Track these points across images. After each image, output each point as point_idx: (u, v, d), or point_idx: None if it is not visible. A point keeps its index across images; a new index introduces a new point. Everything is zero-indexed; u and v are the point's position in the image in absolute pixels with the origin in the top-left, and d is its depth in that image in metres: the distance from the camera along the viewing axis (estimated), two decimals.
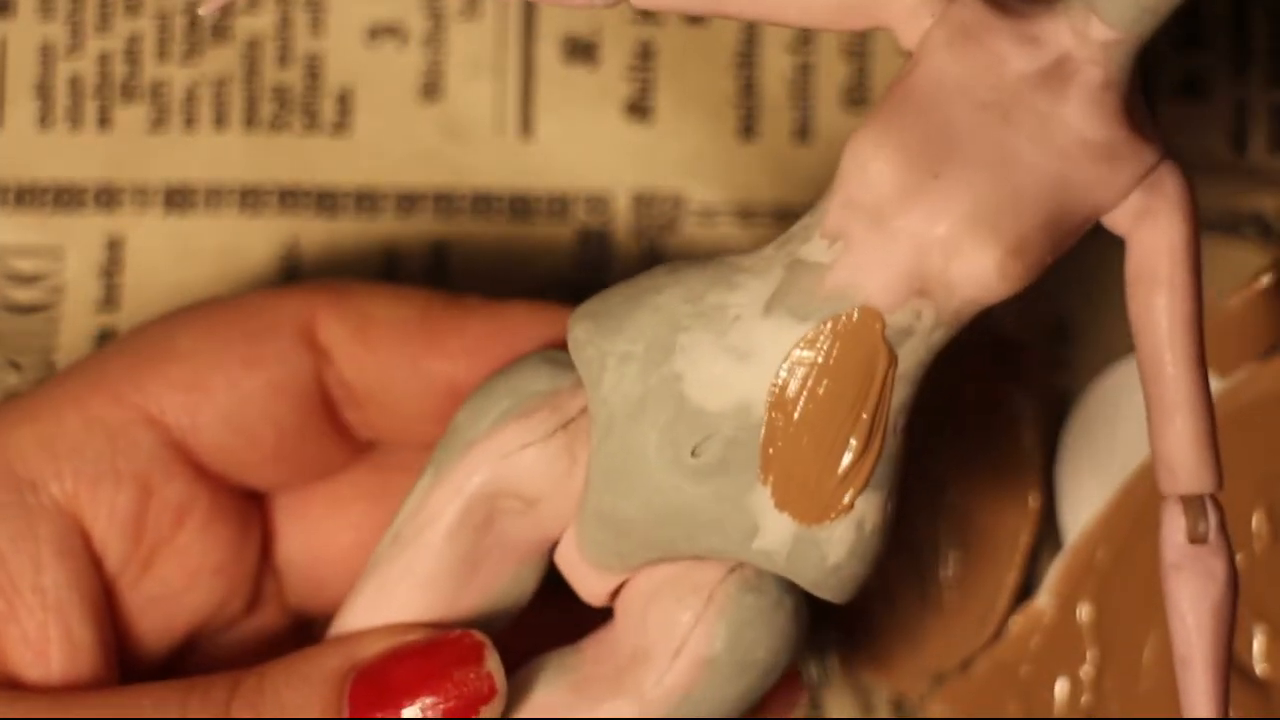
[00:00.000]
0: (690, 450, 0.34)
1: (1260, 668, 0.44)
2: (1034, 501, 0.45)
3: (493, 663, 0.36)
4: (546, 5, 0.34)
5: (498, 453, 0.36)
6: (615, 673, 0.36)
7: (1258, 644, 0.44)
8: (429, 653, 0.36)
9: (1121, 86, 0.33)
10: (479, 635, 0.36)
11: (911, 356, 0.34)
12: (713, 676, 0.36)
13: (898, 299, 0.33)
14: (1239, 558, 0.43)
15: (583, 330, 0.35)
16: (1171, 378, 0.34)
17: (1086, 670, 0.44)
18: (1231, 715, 0.43)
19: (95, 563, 0.38)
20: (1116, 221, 0.34)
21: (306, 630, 0.42)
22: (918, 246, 0.33)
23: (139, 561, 0.39)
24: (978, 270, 0.33)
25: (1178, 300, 0.34)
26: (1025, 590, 0.45)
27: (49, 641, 0.37)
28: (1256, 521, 0.44)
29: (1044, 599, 0.45)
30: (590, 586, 0.37)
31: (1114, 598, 0.44)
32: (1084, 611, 0.44)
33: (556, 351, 0.37)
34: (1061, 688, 0.44)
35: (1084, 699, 0.44)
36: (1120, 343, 0.45)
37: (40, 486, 0.38)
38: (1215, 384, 0.42)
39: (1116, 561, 0.44)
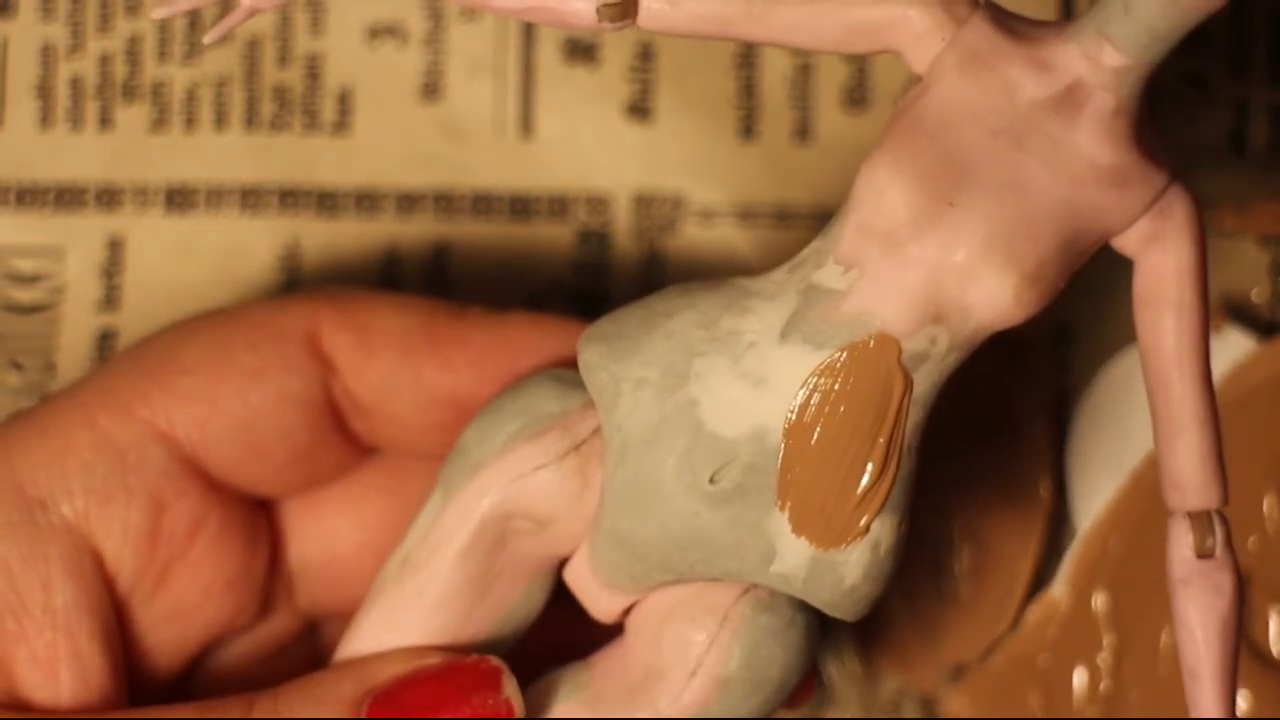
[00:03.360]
0: (708, 477, 0.34)
1: (1276, 649, 0.44)
2: (1045, 492, 0.45)
3: (510, 688, 0.35)
4: (550, 27, 0.34)
5: (509, 474, 0.36)
6: (629, 692, 0.36)
7: (1273, 626, 0.44)
8: (446, 677, 0.35)
9: (1132, 112, 0.33)
10: (496, 661, 0.36)
11: (926, 380, 0.33)
12: (728, 695, 0.35)
13: (914, 325, 0.33)
14: (1251, 540, 0.44)
15: (595, 354, 0.35)
16: (1179, 396, 0.34)
17: (1104, 658, 0.44)
18: (1248, 697, 0.43)
19: (107, 581, 0.38)
20: (1125, 244, 0.33)
21: (317, 632, 0.41)
22: (934, 274, 0.33)
23: (152, 578, 0.38)
24: (994, 297, 0.32)
25: (1185, 321, 0.33)
26: (1040, 581, 0.45)
27: (58, 661, 0.37)
28: (1268, 504, 0.44)
29: (1059, 589, 0.45)
30: (601, 605, 0.37)
31: (1129, 585, 0.44)
32: (1099, 599, 0.45)
33: (564, 370, 0.37)
34: (1080, 676, 0.45)
35: (1103, 686, 0.44)
36: (1121, 342, 0.45)
37: (50, 505, 0.37)
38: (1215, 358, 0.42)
39: (1130, 548, 0.44)
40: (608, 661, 0.37)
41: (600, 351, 0.35)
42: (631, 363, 0.34)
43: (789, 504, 0.34)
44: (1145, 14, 0.32)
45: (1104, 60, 0.32)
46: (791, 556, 0.34)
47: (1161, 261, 0.33)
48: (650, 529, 0.34)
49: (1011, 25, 0.33)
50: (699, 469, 0.34)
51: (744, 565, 0.34)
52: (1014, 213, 0.32)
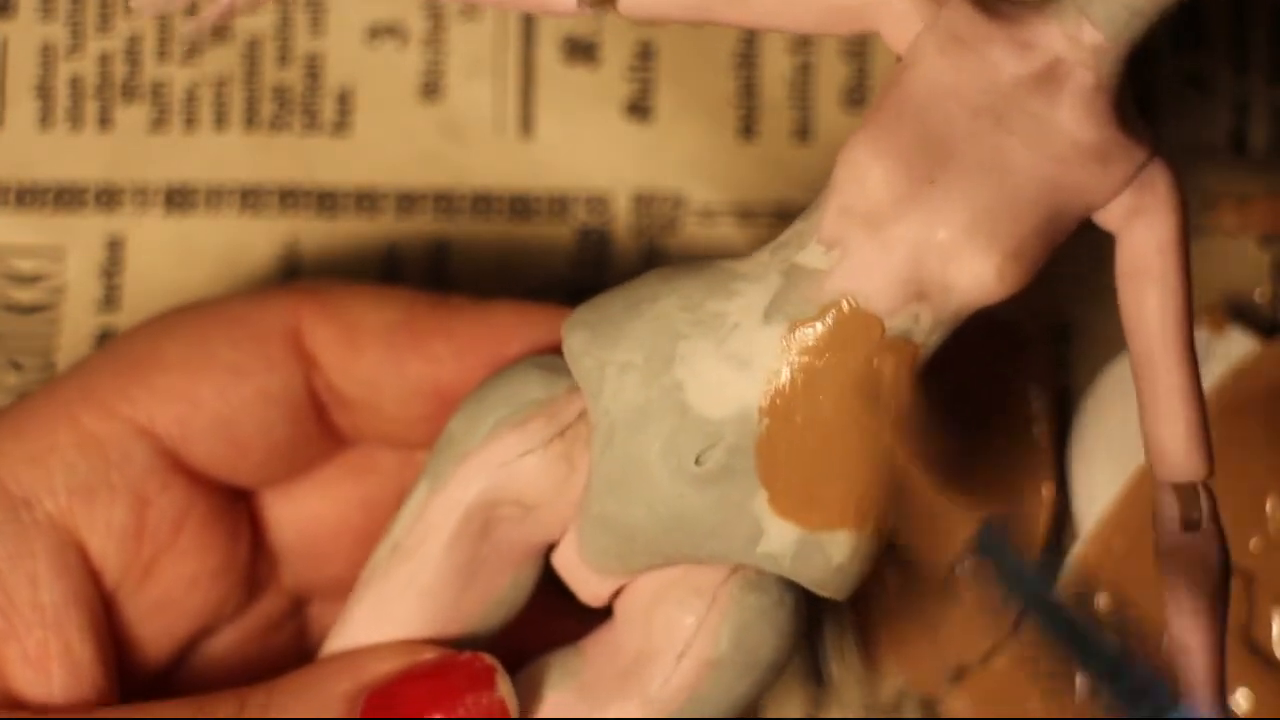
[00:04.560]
0: (694, 458, 0.34)
1: (1279, 649, 0.44)
2: (1048, 492, 0.45)
3: (504, 687, 0.35)
4: (535, 13, 0.34)
5: (495, 461, 0.35)
6: (619, 675, 0.36)
7: (1276, 627, 0.44)
8: (440, 675, 0.35)
9: (1113, 89, 0.33)
10: (489, 659, 0.35)
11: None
12: (718, 676, 0.35)
13: (896, 303, 0.33)
14: (1254, 542, 0.44)
15: (579, 340, 0.35)
16: (1164, 371, 0.34)
17: None
18: (1250, 697, 0.43)
19: (93, 576, 0.37)
20: (1107, 219, 0.33)
21: (304, 608, 0.41)
22: (916, 252, 0.32)
23: (138, 572, 0.38)
24: (976, 275, 0.32)
25: (1169, 296, 0.33)
26: None
27: (50, 658, 0.37)
28: (1270, 505, 0.44)
29: (1062, 589, 0.44)
30: (590, 589, 0.36)
31: (1131, 586, 0.44)
32: (1102, 601, 0.44)
33: (547, 357, 0.37)
34: (1083, 678, 0.44)
35: None
36: (1122, 341, 0.45)
37: (34, 504, 0.37)
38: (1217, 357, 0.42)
39: (1133, 549, 0.44)
40: (597, 646, 0.37)
41: (584, 338, 0.35)
42: (616, 348, 0.34)
43: (774, 484, 0.34)
44: None
45: (1084, 38, 0.32)
46: (778, 537, 0.34)
47: (1144, 236, 0.33)
48: (637, 512, 0.34)
49: (991, 5, 0.33)
50: (684, 451, 0.34)
51: (731, 546, 0.34)
52: (996, 192, 0.32)
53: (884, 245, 0.33)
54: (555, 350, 0.36)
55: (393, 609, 0.37)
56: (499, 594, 0.37)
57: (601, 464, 0.34)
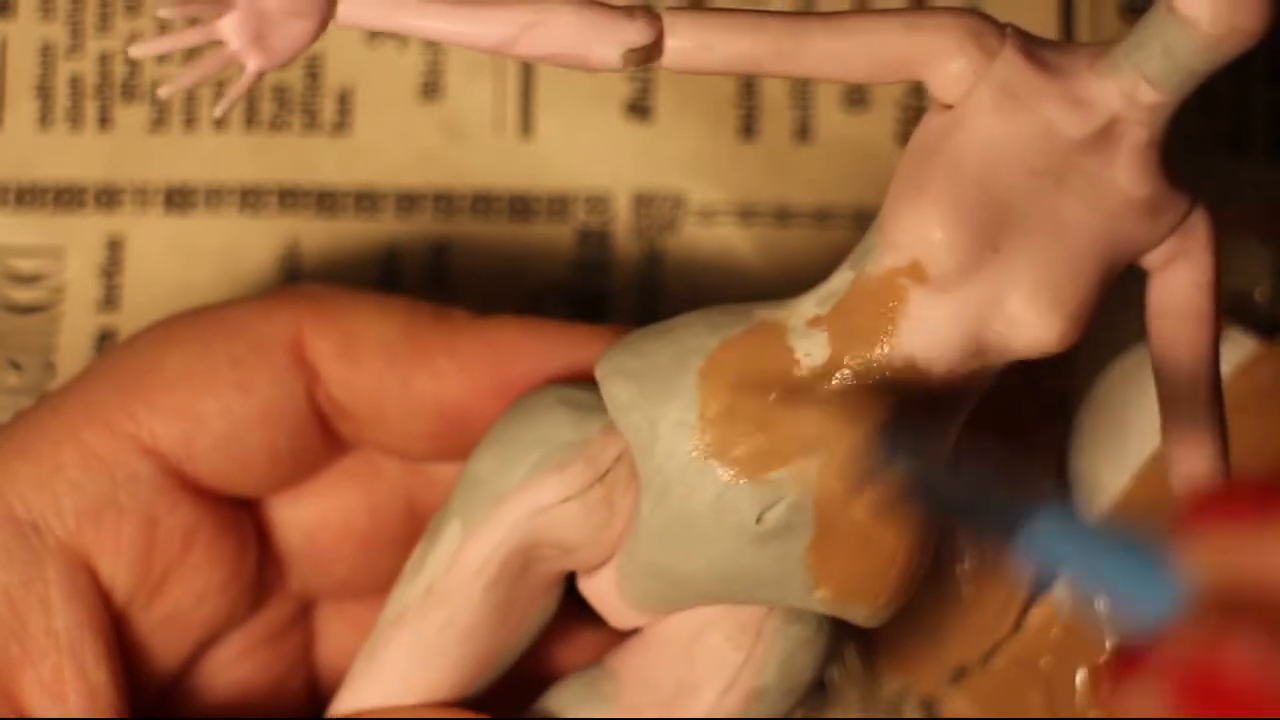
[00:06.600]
0: (755, 517, 0.33)
1: None
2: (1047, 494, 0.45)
3: None
4: (574, 69, 0.33)
5: (535, 506, 0.35)
6: (660, 704, 0.36)
7: None
8: None
9: (1161, 143, 0.33)
10: None
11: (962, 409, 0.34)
12: (761, 703, 0.36)
13: (956, 364, 0.33)
14: None
15: (625, 393, 0.34)
16: (1194, 397, 0.34)
17: (1107, 660, 0.44)
18: None
19: (104, 597, 0.37)
20: (1148, 261, 0.34)
21: (311, 613, 0.41)
22: (981, 317, 0.33)
23: (148, 589, 0.38)
24: (1038, 337, 0.33)
25: (1204, 330, 0.34)
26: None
27: (65, 684, 0.36)
28: None
29: (1063, 590, 0.44)
30: (621, 618, 0.36)
31: None
32: (1103, 601, 0.44)
33: (569, 391, 0.36)
34: (1083, 678, 0.44)
35: (1105, 688, 0.44)
36: (1122, 343, 0.45)
37: (44, 528, 0.37)
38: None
39: None
40: (631, 672, 0.37)
41: (631, 391, 0.34)
42: (668, 405, 0.34)
43: (829, 537, 0.34)
44: (1186, 56, 0.31)
45: (1140, 97, 0.32)
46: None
47: (1183, 276, 0.34)
48: (694, 566, 0.34)
49: (1041, 56, 0.33)
50: (745, 510, 0.33)
51: (787, 594, 0.34)
52: (1058, 254, 0.32)
53: (948, 310, 0.33)
54: (562, 370, 0.36)
55: (431, 651, 0.36)
56: (529, 622, 0.37)
57: (654, 519, 0.34)
